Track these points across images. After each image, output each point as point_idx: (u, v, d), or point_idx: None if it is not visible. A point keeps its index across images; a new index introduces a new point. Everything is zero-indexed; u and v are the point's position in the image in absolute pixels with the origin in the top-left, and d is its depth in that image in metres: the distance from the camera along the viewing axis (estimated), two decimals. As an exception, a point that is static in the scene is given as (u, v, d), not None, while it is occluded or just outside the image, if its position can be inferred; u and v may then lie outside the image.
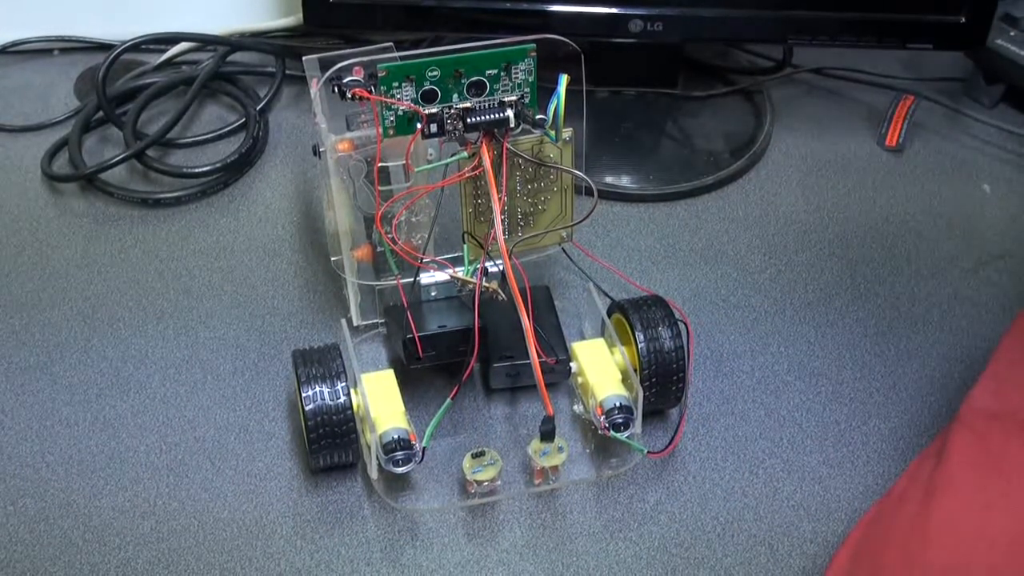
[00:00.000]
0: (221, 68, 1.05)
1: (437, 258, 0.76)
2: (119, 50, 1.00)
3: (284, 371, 0.81)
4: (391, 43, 0.74)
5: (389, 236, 0.73)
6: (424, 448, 0.70)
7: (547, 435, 0.71)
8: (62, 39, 1.10)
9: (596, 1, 0.93)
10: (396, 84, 0.70)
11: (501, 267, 0.71)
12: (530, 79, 0.72)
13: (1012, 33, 1.00)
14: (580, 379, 0.75)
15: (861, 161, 0.99)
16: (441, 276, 0.75)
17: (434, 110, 0.71)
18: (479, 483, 0.71)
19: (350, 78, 0.70)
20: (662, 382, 0.75)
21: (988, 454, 0.66)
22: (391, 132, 0.72)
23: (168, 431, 0.78)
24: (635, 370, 0.74)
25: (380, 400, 0.71)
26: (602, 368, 0.74)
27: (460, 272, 0.73)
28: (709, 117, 1.02)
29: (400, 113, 0.71)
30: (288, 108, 1.05)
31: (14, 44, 1.10)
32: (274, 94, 1.04)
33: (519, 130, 0.73)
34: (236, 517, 0.73)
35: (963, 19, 0.92)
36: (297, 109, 1.04)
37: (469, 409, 0.78)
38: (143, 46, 1.03)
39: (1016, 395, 0.70)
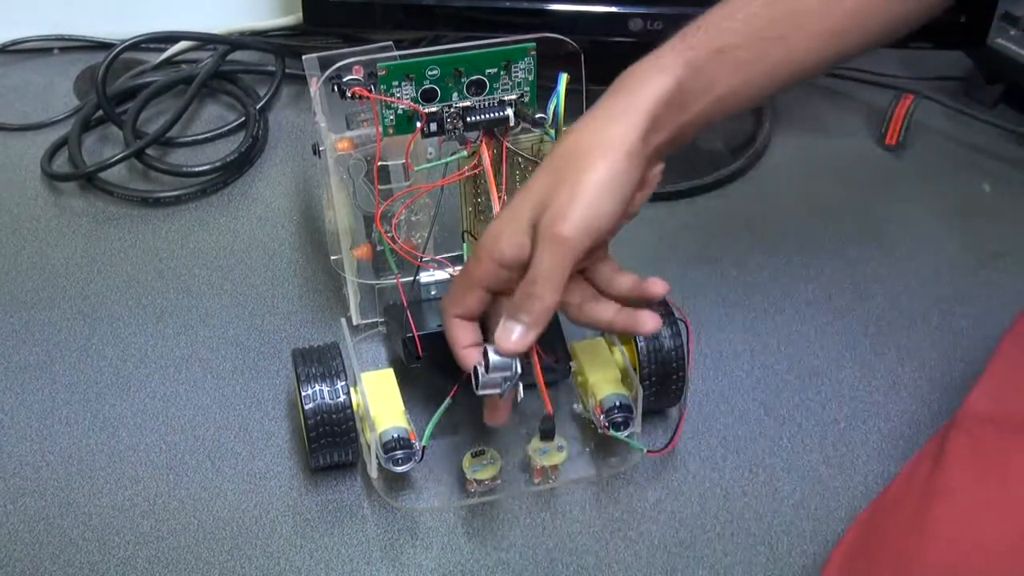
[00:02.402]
0: (221, 67, 1.05)
1: (437, 257, 0.76)
2: (119, 49, 1.00)
3: (284, 370, 0.81)
4: (391, 42, 0.74)
5: (389, 235, 0.73)
6: (424, 447, 0.70)
7: (547, 434, 0.71)
8: (62, 38, 1.10)
9: (596, 0, 0.93)
10: (396, 83, 0.70)
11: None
12: (530, 78, 0.72)
13: (1012, 32, 1.00)
14: (580, 378, 0.75)
15: (861, 160, 0.99)
16: (441, 275, 0.75)
17: (434, 109, 0.71)
18: (479, 482, 0.71)
19: (350, 77, 0.70)
20: (662, 381, 0.75)
21: (985, 458, 0.66)
22: (391, 131, 0.72)
23: (168, 430, 0.78)
24: (635, 369, 0.74)
25: (380, 399, 0.71)
26: (602, 367, 0.74)
27: (459, 271, 0.73)
28: (709, 116, 1.02)
29: (400, 112, 0.71)
30: (288, 107, 1.05)
31: (14, 43, 1.10)
32: (274, 93, 1.04)
33: (519, 129, 0.73)
34: (236, 516, 0.73)
35: (963, 18, 0.92)
36: (297, 108, 1.05)
37: (469, 408, 0.78)
38: (143, 45, 1.04)
39: (1013, 399, 0.70)
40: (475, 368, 0.65)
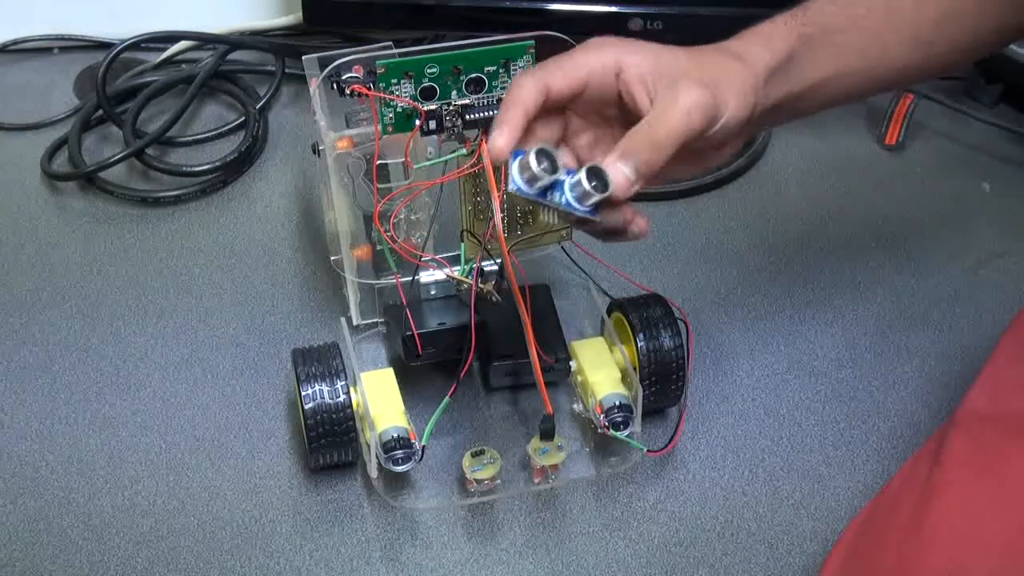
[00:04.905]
0: (221, 67, 1.05)
1: (435, 256, 0.75)
2: (119, 49, 1.00)
3: (284, 370, 0.81)
4: (390, 42, 0.74)
5: (388, 234, 0.73)
6: (423, 446, 0.70)
7: (547, 434, 0.71)
8: (62, 38, 1.10)
9: (596, 0, 0.93)
10: (395, 81, 0.70)
11: (498, 266, 0.71)
12: (529, 77, 0.72)
13: (1012, 32, 1.00)
14: (580, 378, 0.75)
15: (861, 160, 0.99)
16: (441, 274, 0.75)
17: (433, 107, 0.71)
18: (478, 482, 0.71)
19: (349, 75, 0.70)
20: (661, 381, 0.75)
21: (983, 457, 0.66)
22: (390, 129, 0.72)
23: (168, 430, 0.78)
24: (634, 369, 0.74)
25: (379, 399, 0.71)
26: (601, 367, 0.74)
27: (456, 271, 0.73)
28: (709, 116, 1.02)
29: (399, 110, 0.71)
30: (288, 107, 1.05)
31: (14, 43, 1.10)
32: (274, 93, 1.04)
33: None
34: (236, 516, 0.73)
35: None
36: (297, 108, 1.05)
37: (469, 408, 0.78)
38: (143, 44, 1.04)
39: (1012, 397, 0.70)
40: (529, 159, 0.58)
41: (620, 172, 0.59)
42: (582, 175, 0.59)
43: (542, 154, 0.59)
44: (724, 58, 0.63)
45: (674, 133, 0.59)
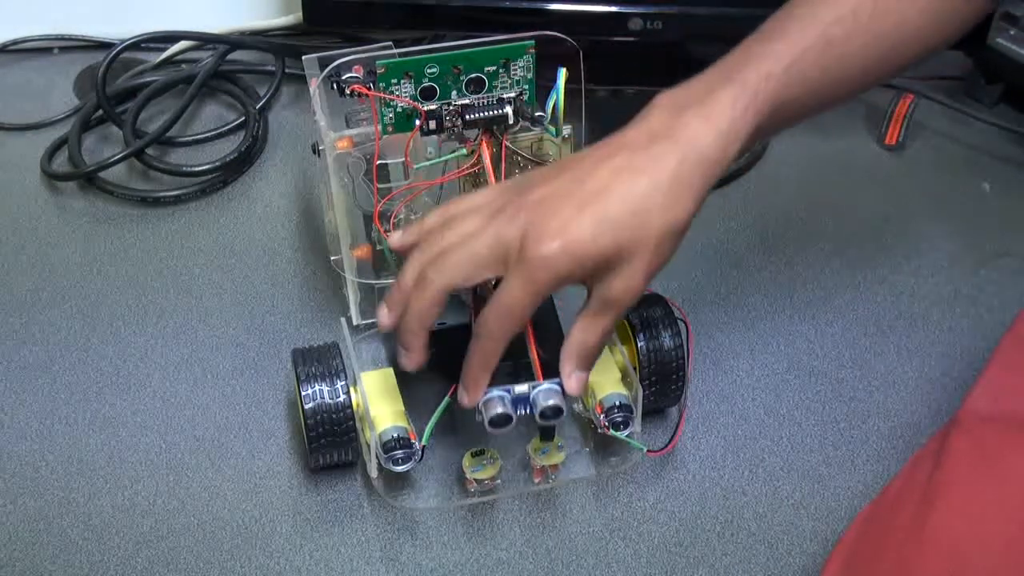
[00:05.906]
0: (221, 67, 1.05)
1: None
2: (119, 48, 1.00)
3: (284, 370, 0.81)
4: (390, 42, 0.74)
5: (388, 234, 0.73)
6: (423, 446, 0.70)
7: (547, 433, 0.71)
8: (62, 37, 1.10)
9: (596, 0, 0.93)
10: (395, 81, 0.70)
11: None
12: (529, 76, 0.72)
13: (1012, 32, 1.00)
14: (580, 378, 0.75)
15: (861, 160, 0.99)
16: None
17: (433, 107, 0.71)
18: (478, 482, 0.71)
19: (349, 75, 0.71)
20: (662, 381, 0.75)
21: (985, 458, 0.66)
22: (390, 129, 0.72)
23: (168, 430, 0.78)
24: (635, 369, 0.74)
25: (379, 398, 0.71)
26: (602, 367, 0.73)
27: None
28: (709, 116, 1.02)
29: (399, 110, 0.71)
30: (288, 107, 1.05)
31: (14, 42, 1.10)
32: (274, 93, 1.04)
33: (518, 127, 0.73)
34: (236, 516, 0.73)
35: (963, 18, 0.92)
36: (297, 108, 1.04)
37: (468, 408, 0.78)
38: (143, 44, 1.04)
39: (1013, 398, 0.70)
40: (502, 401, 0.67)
41: (578, 380, 0.65)
42: (545, 404, 0.66)
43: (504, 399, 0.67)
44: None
45: (622, 312, 0.63)
